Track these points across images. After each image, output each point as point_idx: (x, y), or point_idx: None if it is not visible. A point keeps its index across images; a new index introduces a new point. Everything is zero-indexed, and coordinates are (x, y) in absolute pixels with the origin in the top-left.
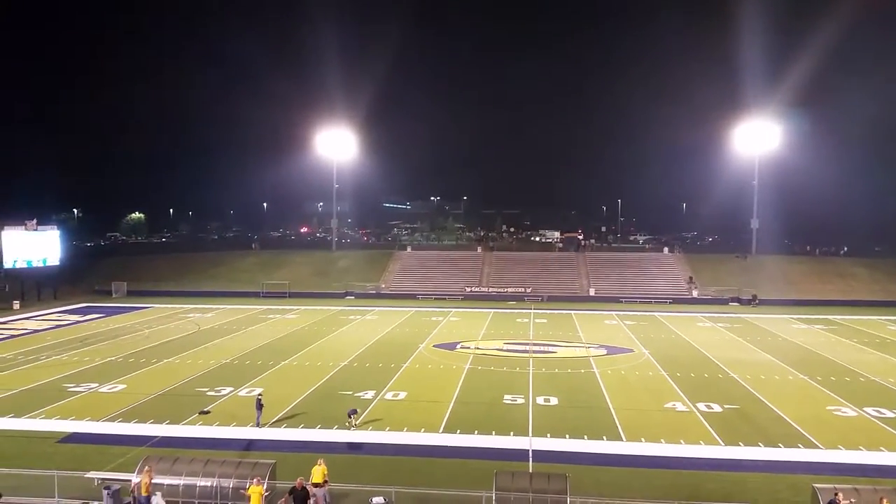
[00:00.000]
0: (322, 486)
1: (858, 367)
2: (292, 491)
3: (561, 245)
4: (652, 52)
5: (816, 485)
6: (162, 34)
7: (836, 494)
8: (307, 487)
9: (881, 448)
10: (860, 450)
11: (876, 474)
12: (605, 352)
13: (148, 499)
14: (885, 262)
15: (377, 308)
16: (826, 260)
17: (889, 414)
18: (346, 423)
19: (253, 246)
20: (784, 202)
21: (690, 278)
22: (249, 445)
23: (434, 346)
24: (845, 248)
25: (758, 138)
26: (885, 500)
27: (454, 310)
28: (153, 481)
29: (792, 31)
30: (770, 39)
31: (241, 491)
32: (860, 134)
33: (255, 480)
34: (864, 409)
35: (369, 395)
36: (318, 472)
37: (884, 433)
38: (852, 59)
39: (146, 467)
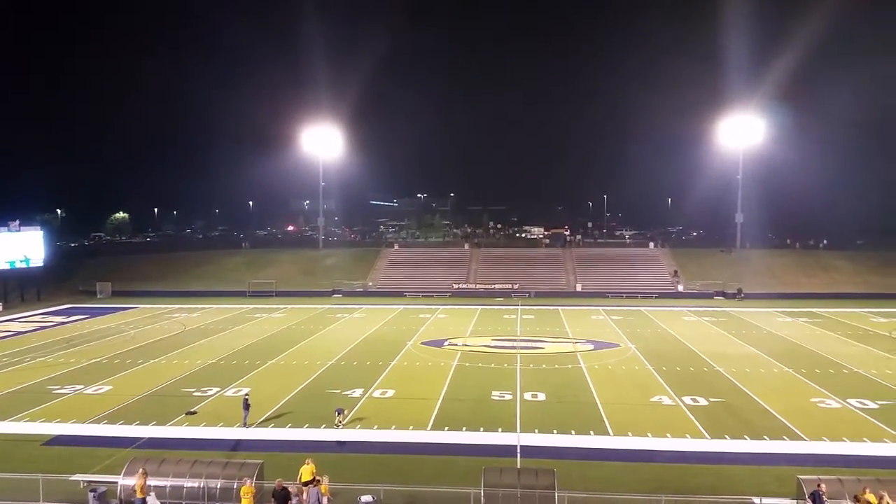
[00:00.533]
0: (316, 485)
1: (842, 359)
2: (274, 493)
3: (548, 241)
4: (636, 49)
5: (801, 476)
6: (147, 34)
7: (818, 485)
8: (287, 488)
9: (864, 439)
10: (844, 441)
11: (859, 465)
12: (591, 347)
13: (143, 501)
14: (867, 255)
15: (364, 306)
16: (809, 253)
17: (872, 405)
18: (335, 423)
19: (243, 245)
20: (768, 196)
21: (675, 272)
22: (237, 445)
23: (422, 343)
24: (825, 241)
25: (742, 133)
26: (867, 490)
27: (442, 307)
28: (147, 483)
29: (775, 25)
30: (754, 34)
31: (244, 485)
32: (843, 128)
33: (246, 481)
34: (848, 400)
35: (357, 393)
36: (306, 472)
37: (867, 424)
38: (836, 53)
39: (140, 469)
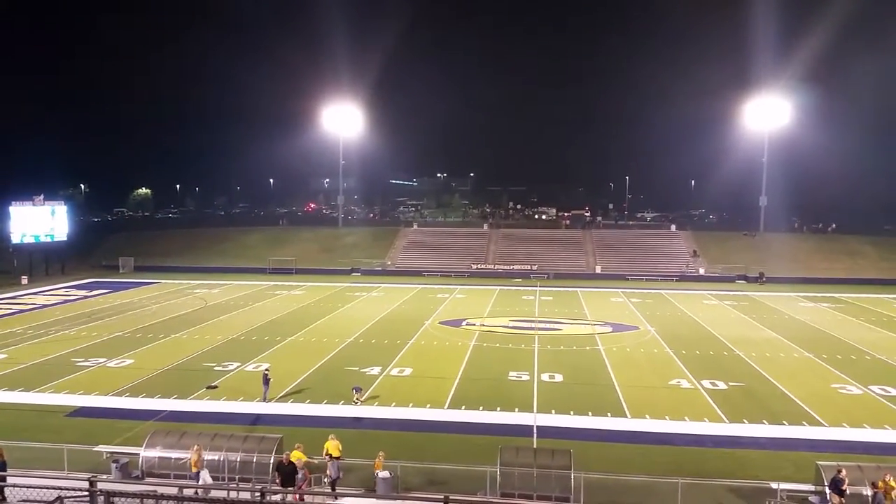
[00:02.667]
0: (331, 460)
1: (865, 345)
2: (279, 466)
3: (568, 222)
4: (661, 27)
5: (820, 462)
6: (170, 10)
7: (839, 472)
8: (294, 463)
9: (886, 426)
10: (865, 428)
11: (880, 452)
12: (610, 329)
13: (197, 475)
14: (894, 241)
15: (383, 285)
16: (834, 238)
17: (894, 392)
18: (353, 400)
19: (280, 222)
20: (793, 180)
21: (694, 251)
22: (256, 420)
23: (440, 322)
24: (833, 226)
25: (767, 115)
26: (888, 477)
27: (460, 287)
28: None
29: (803, 4)
30: (781, 13)
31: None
32: (872, 110)
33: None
34: (870, 387)
35: (375, 370)
36: (332, 447)
37: (889, 411)
38: (865, 32)
39: (195, 446)
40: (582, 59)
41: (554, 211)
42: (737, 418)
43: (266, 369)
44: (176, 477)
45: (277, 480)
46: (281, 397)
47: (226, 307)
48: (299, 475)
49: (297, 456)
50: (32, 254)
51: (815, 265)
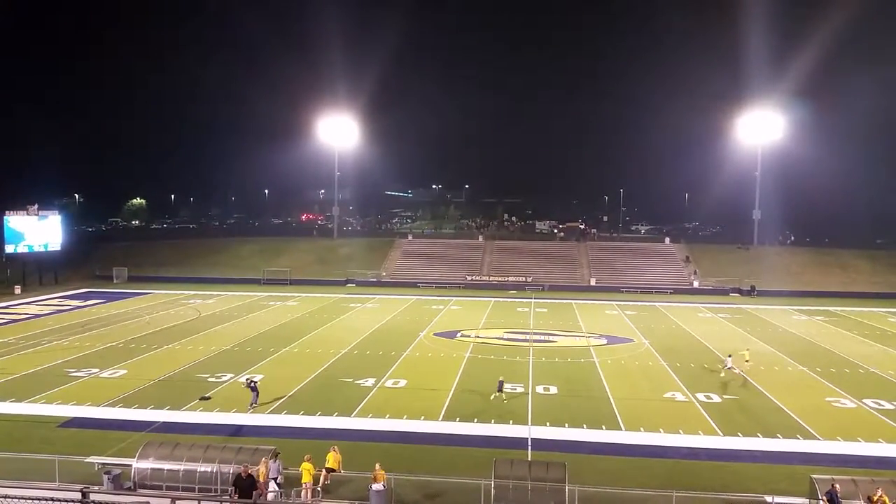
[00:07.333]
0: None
1: (858, 358)
2: (236, 480)
3: (562, 234)
4: (655, 40)
5: (814, 476)
6: (165, 22)
7: (833, 485)
8: (253, 475)
9: (879, 440)
10: (859, 441)
11: (874, 466)
12: (605, 341)
13: (266, 485)
14: (886, 255)
15: (378, 296)
16: (827, 251)
17: (888, 406)
18: (496, 396)
19: (314, 232)
20: (786, 193)
21: (687, 258)
22: (238, 430)
23: (434, 334)
24: (792, 238)
25: (761, 129)
26: (881, 491)
27: (455, 298)
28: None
29: (796, 19)
30: (774, 28)
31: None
32: (864, 125)
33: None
34: (864, 400)
35: (369, 382)
36: (331, 458)
37: (882, 425)
38: (858, 48)
39: (263, 458)
40: (577, 73)
41: (546, 223)
42: (731, 431)
43: (249, 379)
44: (168, 489)
45: (235, 495)
46: (275, 408)
47: (220, 318)
48: (256, 492)
49: (306, 468)
50: (26, 263)
51: (809, 278)
